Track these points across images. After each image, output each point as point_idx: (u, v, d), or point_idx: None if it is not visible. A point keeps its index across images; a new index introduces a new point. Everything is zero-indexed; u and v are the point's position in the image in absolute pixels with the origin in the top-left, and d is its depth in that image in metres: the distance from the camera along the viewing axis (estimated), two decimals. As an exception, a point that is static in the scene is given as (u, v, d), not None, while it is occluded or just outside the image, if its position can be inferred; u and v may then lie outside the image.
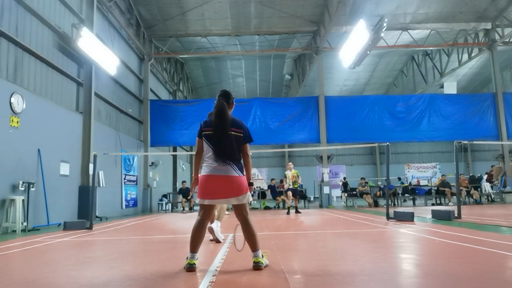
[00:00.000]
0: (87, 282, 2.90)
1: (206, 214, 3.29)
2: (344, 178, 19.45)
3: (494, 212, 10.15)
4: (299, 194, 18.24)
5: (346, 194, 17.39)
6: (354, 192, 16.97)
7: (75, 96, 10.77)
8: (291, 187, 11.89)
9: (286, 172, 12.35)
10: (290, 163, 12.72)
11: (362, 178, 16.28)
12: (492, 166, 18.84)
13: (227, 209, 12.26)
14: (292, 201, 12.20)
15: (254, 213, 12.67)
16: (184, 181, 16.21)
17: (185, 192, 15.45)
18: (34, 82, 8.80)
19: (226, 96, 3.43)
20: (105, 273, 3.30)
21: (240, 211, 3.22)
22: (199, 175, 3.32)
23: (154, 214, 14.56)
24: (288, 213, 12.08)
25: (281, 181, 14.48)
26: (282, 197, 14.26)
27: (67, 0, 10.32)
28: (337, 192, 18.49)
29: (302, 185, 22.04)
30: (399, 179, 19.52)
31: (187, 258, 3.21)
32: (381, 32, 12.58)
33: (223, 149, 3.16)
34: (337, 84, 25.18)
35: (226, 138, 3.16)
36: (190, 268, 3.13)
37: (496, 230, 5.63)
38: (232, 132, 3.20)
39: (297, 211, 12.10)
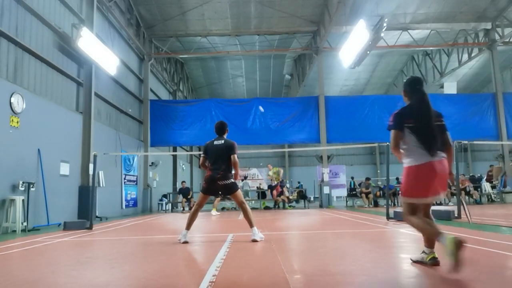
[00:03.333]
0: (87, 282, 2.90)
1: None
2: (352, 178, 19.41)
3: (494, 212, 10.15)
4: (300, 194, 18.35)
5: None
6: (354, 192, 16.96)
7: (75, 96, 10.77)
8: (274, 184, 13.47)
9: (269, 173, 13.95)
10: (269, 164, 14.47)
11: (367, 179, 16.12)
12: (491, 166, 18.81)
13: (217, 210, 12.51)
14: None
15: (254, 213, 12.68)
16: (183, 181, 16.21)
17: (185, 192, 15.45)
18: (34, 82, 8.80)
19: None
20: (105, 273, 3.30)
21: None
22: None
23: (154, 214, 14.56)
24: (274, 207, 13.59)
25: (269, 186, 15.29)
26: (282, 197, 14.47)
27: (67, 0, 10.32)
28: (337, 192, 18.47)
29: (301, 184, 22.09)
30: (397, 179, 19.50)
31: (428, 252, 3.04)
32: (381, 32, 12.58)
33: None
34: (337, 84, 25.18)
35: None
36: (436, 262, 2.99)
37: (496, 230, 5.63)
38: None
39: (276, 207, 13.46)
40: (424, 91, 3.08)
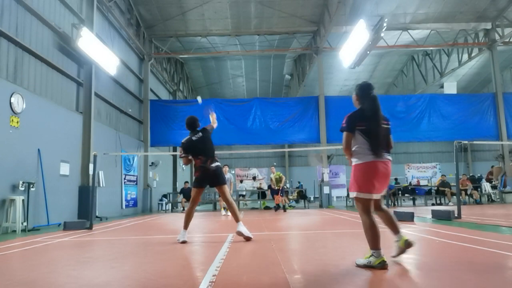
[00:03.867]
0: (87, 282, 2.90)
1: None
2: None
3: (494, 212, 10.15)
4: (300, 194, 18.36)
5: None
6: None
7: (75, 96, 10.77)
8: (276, 188, 13.22)
9: (270, 176, 13.68)
10: (273, 166, 14.30)
11: None
12: (492, 167, 18.82)
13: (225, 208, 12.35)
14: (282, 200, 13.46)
15: (254, 213, 12.68)
16: (186, 182, 16.26)
17: (186, 192, 15.48)
18: (34, 82, 8.80)
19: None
20: (105, 273, 3.30)
21: None
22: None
23: (154, 214, 14.56)
24: (275, 210, 13.33)
25: (269, 187, 15.11)
26: (284, 197, 14.52)
27: (67, 0, 10.32)
28: (337, 192, 18.48)
29: (301, 184, 22.10)
30: (396, 179, 19.42)
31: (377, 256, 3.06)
32: (381, 32, 12.58)
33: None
34: (337, 84, 25.18)
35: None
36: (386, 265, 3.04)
37: (496, 230, 5.63)
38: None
39: (284, 210, 13.11)
40: (375, 95, 3.27)
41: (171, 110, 17.00)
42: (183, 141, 5.29)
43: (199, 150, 5.16)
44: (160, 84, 19.64)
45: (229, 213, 11.74)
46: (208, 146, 5.22)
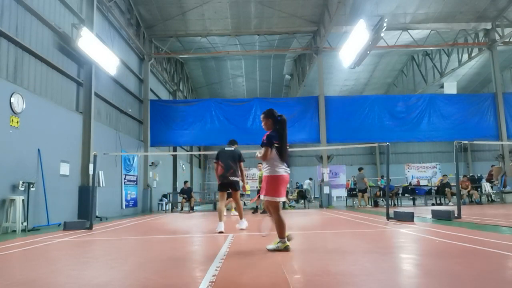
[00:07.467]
0: (87, 282, 2.90)
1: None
2: (354, 177, 19.29)
3: (494, 212, 10.15)
4: (300, 194, 18.24)
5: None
6: (354, 192, 16.94)
7: (75, 96, 10.77)
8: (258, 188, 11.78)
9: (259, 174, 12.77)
10: (260, 164, 12.72)
11: (360, 169, 15.82)
12: (492, 166, 18.81)
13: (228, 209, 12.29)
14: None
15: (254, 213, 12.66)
16: (186, 181, 16.24)
17: (186, 192, 15.50)
18: (34, 82, 8.80)
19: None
20: (105, 273, 3.30)
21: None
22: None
23: (154, 214, 14.56)
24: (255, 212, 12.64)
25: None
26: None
27: (67, 0, 10.32)
28: (337, 192, 18.48)
29: (301, 184, 22.08)
30: (382, 177, 19.19)
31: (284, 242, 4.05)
32: (381, 32, 12.58)
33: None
34: (337, 84, 25.18)
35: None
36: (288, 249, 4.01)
37: (496, 230, 5.63)
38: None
39: (263, 212, 11.72)
40: (284, 119, 4.23)
41: (171, 110, 17.01)
42: (219, 150, 6.78)
43: (224, 159, 6.52)
44: (160, 84, 19.64)
45: (232, 213, 11.73)
46: (232, 162, 6.52)
